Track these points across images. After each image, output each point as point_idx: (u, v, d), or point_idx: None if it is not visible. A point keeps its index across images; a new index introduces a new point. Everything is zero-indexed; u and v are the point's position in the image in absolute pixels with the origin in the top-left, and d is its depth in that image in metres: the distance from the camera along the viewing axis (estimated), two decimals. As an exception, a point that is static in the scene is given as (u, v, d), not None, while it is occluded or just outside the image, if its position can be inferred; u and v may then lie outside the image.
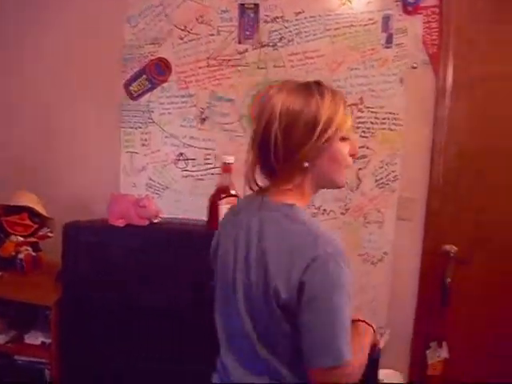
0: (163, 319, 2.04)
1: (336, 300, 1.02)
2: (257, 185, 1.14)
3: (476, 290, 2.40)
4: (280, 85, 1.12)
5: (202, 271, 1.87)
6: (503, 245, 2.39)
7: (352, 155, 1.15)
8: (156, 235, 2.10)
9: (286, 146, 1.07)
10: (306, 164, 1.08)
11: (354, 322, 1.23)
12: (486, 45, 2.33)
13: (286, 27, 2.39)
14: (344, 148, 1.12)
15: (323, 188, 1.18)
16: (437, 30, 2.34)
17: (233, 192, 2.09)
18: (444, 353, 2.43)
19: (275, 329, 1.08)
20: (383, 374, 2.23)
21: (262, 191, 1.14)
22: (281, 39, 2.40)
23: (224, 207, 2.03)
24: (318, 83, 1.11)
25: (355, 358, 1.05)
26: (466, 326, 2.44)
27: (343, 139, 1.11)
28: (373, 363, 1.50)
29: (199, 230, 2.09)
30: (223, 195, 2.07)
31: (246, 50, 2.41)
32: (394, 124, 2.39)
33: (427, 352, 2.46)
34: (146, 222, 2.10)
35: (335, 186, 1.18)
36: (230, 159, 2.08)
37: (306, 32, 2.39)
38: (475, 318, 2.42)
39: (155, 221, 2.12)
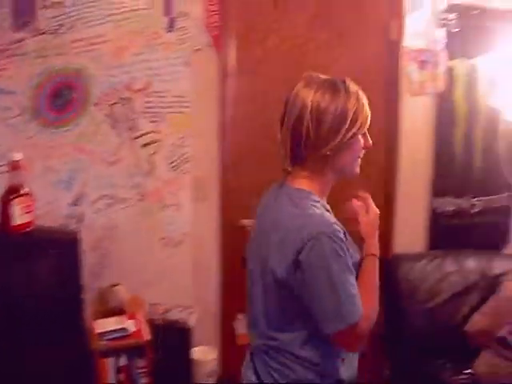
0: None
1: (335, 269, 1.24)
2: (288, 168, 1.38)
3: None
4: (306, 79, 1.39)
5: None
6: None
7: (365, 147, 1.39)
8: None
9: (315, 140, 1.32)
10: (328, 153, 1.32)
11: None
12: (265, 26, 2.78)
13: (67, 13, 2.59)
14: (361, 141, 1.37)
15: (339, 176, 1.43)
16: (217, 12, 2.76)
17: (25, 190, 2.28)
18: None
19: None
20: (196, 351, 2.82)
21: (285, 176, 1.42)
22: (61, 25, 2.60)
23: (17, 207, 2.25)
24: (343, 81, 1.36)
25: (365, 307, 1.29)
26: None
27: (363, 134, 1.36)
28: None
29: None
30: (14, 194, 2.24)
31: (24, 39, 2.60)
32: (181, 107, 2.75)
33: (235, 324, 3.05)
34: None
35: (351, 175, 1.42)
36: (18, 156, 2.23)
37: (88, 17, 2.60)
38: None
39: None
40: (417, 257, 2.90)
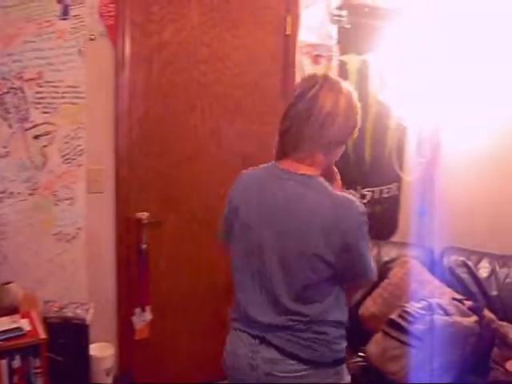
0: None
1: (367, 238, 1.69)
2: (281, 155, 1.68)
3: (170, 250, 3.18)
4: (322, 81, 1.69)
5: None
6: (190, 206, 3.16)
7: None
8: None
9: (326, 134, 1.65)
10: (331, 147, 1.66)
11: None
12: (161, 17, 2.98)
13: None
14: None
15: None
16: (113, 1, 2.90)
17: None
18: (148, 316, 3.39)
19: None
20: (93, 347, 2.99)
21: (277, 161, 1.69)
22: None
23: None
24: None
25: None
26: (165, 285, 3.21)
27: None
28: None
29: None
30: None
31: None
32: (75, 97, 2.85)
33: (133, 318, 3.24)
34: None
35: (334, 165, 1.80)
36: None
37: None
38: (172, 276, 3.22)
39: None
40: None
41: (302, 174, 1.64)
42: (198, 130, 3.01)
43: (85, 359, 2.77)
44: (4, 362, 2.39)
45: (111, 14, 2.90)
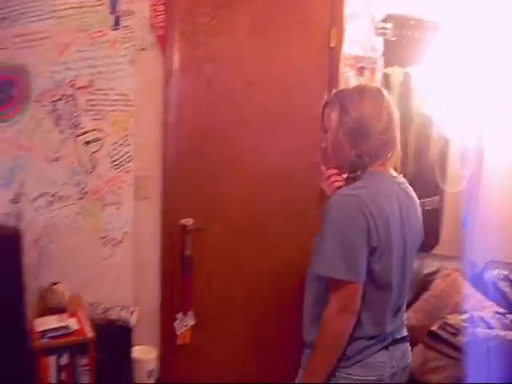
0: None
1: None
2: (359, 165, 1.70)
3: (213, 257, 3.19)
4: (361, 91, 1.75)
5: None
6: (233, 215, 3.17)
7: None
8: None
9: None
10: None
11: None
12: (209, 28, 2.99)
13: (9, 7, 2.67)
14: None
15: None
16: (163, 12, 2.98)
17: None
18: (190, 321, 3.37)
19: None
20: (136, 350, 2.99)
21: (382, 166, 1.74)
22: (3, 19, 2.67)
23: None
24: None
25: None
26: (207, 292, 3.22)
27: None
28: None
29: None
30: None
31: None
32: (125, 105, 2.90)
33: (175, 323, 3.26)
34: None
35: None
36: None
37: (31, 12, 2.70)
38: (214, 283, 3.21)
39: None
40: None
41: (396, 176, 1.77)
42: (243, 141, 2.99)
43: (128, 361, 2.80)
44: (52, 358, 2.45)
45: (161, 24, 2.93)
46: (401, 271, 1.67)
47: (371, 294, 1.61)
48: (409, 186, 1.77)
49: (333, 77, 3.29)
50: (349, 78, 3.26)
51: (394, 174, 1.73)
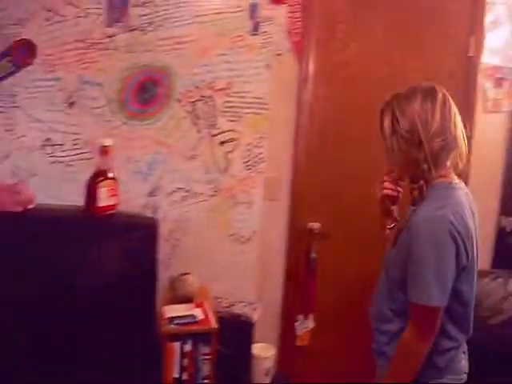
0: (51, 306, 2.43)
1: None
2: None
3: (337, 262, 3.12)
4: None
5: (83, 255, 2.43)
6: (361, 221, 3.08)
7: None
8: (33, 221, 2.46)
9: None
10: None
11: None
12: (345, 35, 2.98)
13: (156, 12, 2.84)
14: None
15: None
16: (300, 19, 3.00)
17: (110, 175, 2.52)
18: (310, 323, 3.32)
19: None
20: (256, 346, 2.96)
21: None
22: (150, 23, 2.87)
23: (103, 190, 2.47)
24: None
25: None
26: (330, 296, 3.16)
27: None
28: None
29: (78, 214, 2.50)
30: (101, 178, 2.48)
31: (115, 34, 2.84)
32: (260, 108, 2.96)
33: (296, 324, 3.18)
34: (21, 209, 2.44)
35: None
36: (108, 142, 2.48)
37: (175, 17, 2.85)
38: (337, 288, 3.16)
39: (30, 207, 2.46)
40: (480, 274, 3.05)
41: (462, 185, 1.73)
42: (373, 148, 2.85)
43: (247, 356, 2.84)
44: (177, 344, 2.55)
45: (298, 31, 2.96)
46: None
47: (457, 309, 1.61)
48: (470, 193, 1.70)
49: (469, 87, 3.16)
50: (487, 90, 3.00)
51: (458, 181, 1.67)
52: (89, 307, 2.41)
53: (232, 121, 2.92)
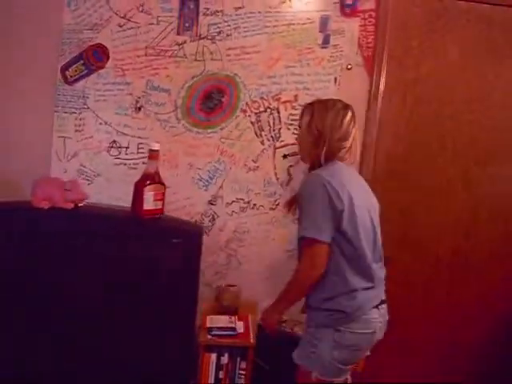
0: (92, 305, 2.47)
1: None
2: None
3: (397, 289, 2.91)
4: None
5: (125, 256, 2.40)
6: (428, 247, 3.00)
7: None
8: (81, 219, 2.50)
9: None
10: None
11: None
12: (418, 51, 2.88)
13: (226, 21, 2.87)
14: None
15: None
16: (373, 33, 2.90)
17: (158, 179, 2.53)
18: None
19: None
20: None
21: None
22: (219, 33, 2.90)
23: (149, 194, 2.53)
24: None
25: None
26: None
27: None
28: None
29: (124, 215, 2.51)
30: (148, 182, 2.50)
31: (185, 42, 2.88)
32: None
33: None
34: (71, 206, 2.50)
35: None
36: (156, 146, 2.51)
37: (244, 27, 2.87)
38: (401, 315, 3.10)
39: (80, 205, 2.52)
40: None
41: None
42: (447, 170, 2.80)
43: (290, 373, 2.55)
44: (213, 355, 2.53)
45: (370, 45, 2.89)
46: (371, 234, 2.11)
47: (348, 249, 2.02)
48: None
49: None
50: None
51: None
52: (127, 309, 2.44)
53: (296, 134, 2.80)
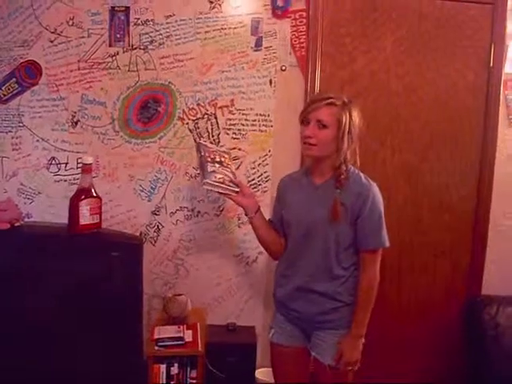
0: (35, 322, 2.40)
1: None
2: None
3: None
4: None
5: (64, 273, 2.36)
6: None
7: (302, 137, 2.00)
8: (16, 239, 2.49)
9: None
10: None
11: None
12: (352, 47, 2.90)
13: (157, 30, 2.85)
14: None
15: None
16: (305, 33, 2.90)
17: (93, 193, 2.51)
18: None
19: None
20: (259, 372, 2.83)
21: None
22: (151, 42, 2.87)
23: (85, 208, 2.49)
24: None
25: None
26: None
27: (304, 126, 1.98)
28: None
29: (61, 232, 2.49)
30: (83, 196, 2.47)
31: (117, 53, 2.85)
32: (264, 125, 2.90)
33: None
34: (7, 226, 2.48)
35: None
36: (89, 160, 2.49)
37: (176, 35, 2.85)
38: None
39: (17, 224, 2.50)
40: (507, 300, 2.77)
41: None
42: (387, 165, 2.81)
43: (250, 381, 2.75)
44: (163, 366, 2.50)
45: (303, 45, 2.89)
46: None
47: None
48: None
49: (492, 97, 3.01)
50: (509, 101, 2.81)
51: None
52: (74, 323, 2.39)
53: (235, 138, 2.88)
